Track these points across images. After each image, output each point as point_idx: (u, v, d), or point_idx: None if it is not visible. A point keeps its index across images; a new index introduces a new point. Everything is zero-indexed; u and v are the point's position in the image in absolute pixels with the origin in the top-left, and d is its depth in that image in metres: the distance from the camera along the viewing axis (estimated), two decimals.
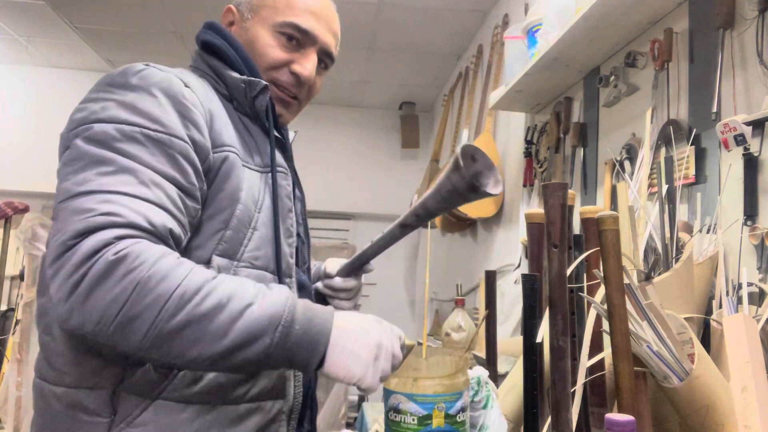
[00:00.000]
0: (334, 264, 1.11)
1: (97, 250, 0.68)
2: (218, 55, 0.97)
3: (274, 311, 0.74)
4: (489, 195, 0.84)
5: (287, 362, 0.76)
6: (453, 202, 0.87)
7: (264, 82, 0.94)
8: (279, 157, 0.99)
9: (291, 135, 1.10)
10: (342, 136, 4.76)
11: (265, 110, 0.96)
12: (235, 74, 0.95)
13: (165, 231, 0.75)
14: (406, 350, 0.83)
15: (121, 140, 0.77)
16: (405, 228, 0.95)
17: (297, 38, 0.98)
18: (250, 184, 0.90)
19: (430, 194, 0.88)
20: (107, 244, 0.69)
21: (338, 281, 1.07)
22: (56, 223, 0.73)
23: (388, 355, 0.79)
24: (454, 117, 3.50)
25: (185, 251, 0.83)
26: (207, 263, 0.84)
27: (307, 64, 1.00)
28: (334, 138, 4.72)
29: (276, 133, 0.99)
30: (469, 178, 0.82)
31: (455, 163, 0.82)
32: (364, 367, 0.77)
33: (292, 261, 0.97)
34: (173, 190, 0.78)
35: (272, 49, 0.98)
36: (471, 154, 0.83)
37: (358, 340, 0.77)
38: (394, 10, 3.10)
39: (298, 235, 1.04)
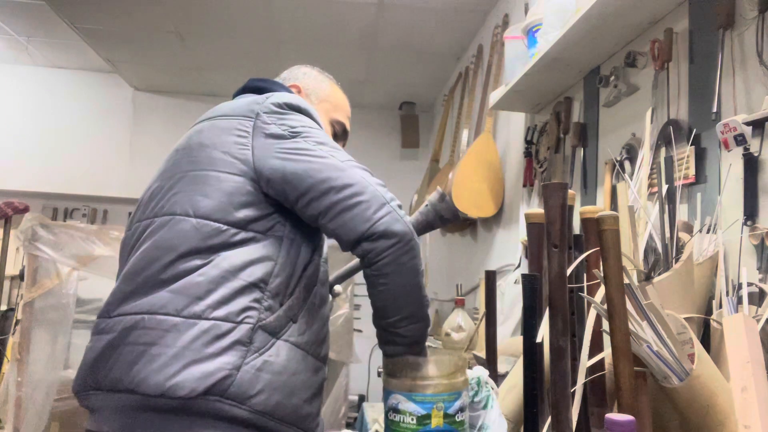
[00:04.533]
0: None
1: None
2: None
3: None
4: (459, 220, 1.14)
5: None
6: (433, 227, 1.24)
7: None
8: None
9: None
10: None
11: None
12: None
13: None
14: None
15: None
16: None
17: (340, 133, 1.33)
18: None
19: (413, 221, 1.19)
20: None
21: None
22: (348, 176, 1.01)
23: None
24: (454, 117, 3.50)
25: None
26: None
27: None
28: None
29: None
30: (452, 205, 1.24)
31: (441, 195, 1.23)
32: None
33: None
34: None
35: None
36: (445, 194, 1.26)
37: None
38: (394, 10, 3.10)
39: None
